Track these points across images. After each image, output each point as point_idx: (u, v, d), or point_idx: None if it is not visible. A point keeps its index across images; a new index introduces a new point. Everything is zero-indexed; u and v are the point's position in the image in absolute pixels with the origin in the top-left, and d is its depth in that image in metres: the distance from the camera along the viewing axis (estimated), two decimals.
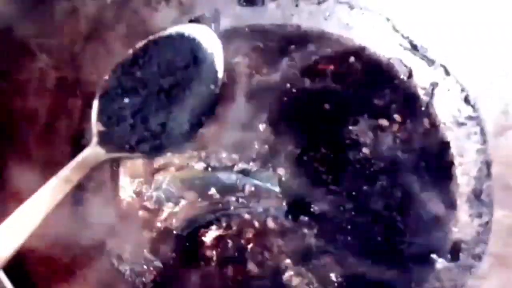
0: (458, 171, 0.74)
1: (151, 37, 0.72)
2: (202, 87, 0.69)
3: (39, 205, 0.54)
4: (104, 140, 0.64)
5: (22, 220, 0.53)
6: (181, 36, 0.71)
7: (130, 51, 0.71)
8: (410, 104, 0.79)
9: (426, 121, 0.77)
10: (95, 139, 0.64)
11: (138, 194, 0.72)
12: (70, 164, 0.59)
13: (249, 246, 0.69)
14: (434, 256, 0.69)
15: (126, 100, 0.67)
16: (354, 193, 0.71)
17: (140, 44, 0.72)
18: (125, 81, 0.68)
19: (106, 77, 0.69)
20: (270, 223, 0.70)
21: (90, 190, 0.71)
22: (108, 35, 0.76)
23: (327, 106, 0.76)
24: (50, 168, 0.66)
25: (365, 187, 0.72)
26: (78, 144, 0.72)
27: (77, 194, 0.69)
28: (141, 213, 0.71)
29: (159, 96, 0.67)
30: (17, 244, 0.51)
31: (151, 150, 0.66)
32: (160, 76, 0.68)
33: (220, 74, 0.70)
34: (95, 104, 0.67)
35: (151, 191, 0.72)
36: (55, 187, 0.57)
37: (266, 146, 0.74)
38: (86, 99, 0.74)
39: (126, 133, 0.65)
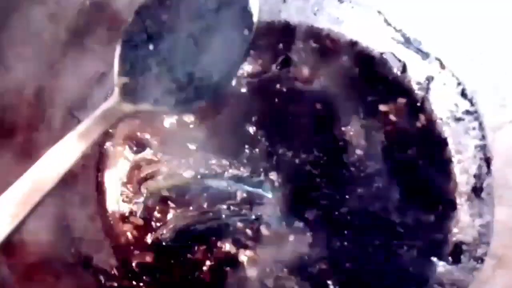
0: (456, 169, 0.72)
1: None
2: (234, 32, 0.63)
3: (53, 164, 0.51)
4: (127, 92, 0.58)
5: (34, 181, 0.49)
6: None
7: None
8: (405, 100, 0.75)
9: (422, 117, 0.75)
10: (116, 90, 0.58)
11: (125, 205, 0.70)
12: (89, 118, 0.54)
13: (243, 255, 0.67)
14: (434, 259, 0.67)
15: (151, 47, 0.60)
16: (349, 196, 0.69)
17: None
18: (150, 25, 0.61)
19: (130, 20, 0.62)
20: (264, 231, 0.68)
21: (75, 203, 0.68)
22: (88, 40, 0.73)
23: (318, 106, 0.73)
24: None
25: (360, 190, 0.69)
26: None
27: (62, 208, 0.67)
28: (128, 225, 0.69)
29: (187, 42, 0.61)
30: (26, 210, 0.48)
31: (177, 104, 0.61)
32: (189, 20, 0.62)
33: (255, 18, 0.64)
34: (117, 51, 0.60)
35: (139, 202, 0.70)
36: (72, 144, 0.52)
37: (257, 150, 0.71)
38: (67, 108, 0.71)
39: (150, 84, 0.60)
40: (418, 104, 0.75)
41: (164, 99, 0.60)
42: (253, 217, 0.69)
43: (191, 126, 0.73)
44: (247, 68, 0.75)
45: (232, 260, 0.67)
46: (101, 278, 0.66)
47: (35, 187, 0.49)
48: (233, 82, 0.70)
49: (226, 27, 0.62)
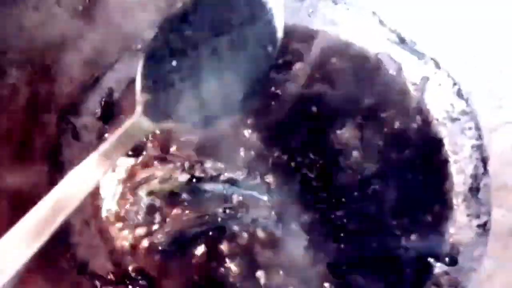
0: (453, 169, 0.71)
1: None
2: (259, 49, 0.61)
3: (75, 186, 0.49)
4: (149, 109, 0.56)
5: (56, 205, 0.48)
6: None
7: (180, 4, 0.62)
8: (401, 101, 0.75)
9: (418, 118, 0.74)
10: (139, 108, 0.55)
11: (121, 210, 0.70)
12: (112, 137, 0.52)
13: (239, 259, 0.67)
14: (431, 260, 0.67)
15: (174, 63, 0.58)
16: (345, 199, 0.69)
17: None
18: (173, 40, 0.59)
19: (152, 34, 0.60)
20: (260, 234, 0.68)
21: None
22: (81, 45, 0.73)
23: (314, 108, 0.73)
24: (26, 189, 0.64)
25: (357, 193, 0.69)
26: (55, 161, 0.69)
27: None
28: (124, 229, 0.69)
29: (211, 58, 0.59)
30: (48, 233, 0.47)
31: (200, 121, 0.59)
32: (213, 35, 0.60)
33: (280, 34, 0.61)
34: (140, 66, 0.57)
35: (134, 206, 0.69)
36: (94, 166, 0.50)
37: (252, 153, 0.71)
38: (61, 113, 0.71)
39: (173, 101, 0.57)
40: (414, 105, 0.75)
41: (188, 117, 0.58)
42: (249, 220, 0.68)
43: (186, 129, 0.72)
44: None
45: (229, 264, 0.67)
46: (97, 283, 0.66)
47: (56, 211, 0.48)
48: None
49: (250, 43, 0.60)
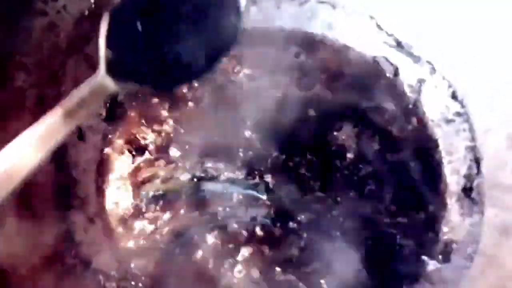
0: (447, 169, 0.73)
1: None
2: (223, 18, 0.60)
3: (33, 145, 0.47)
4: (112, 68, 0.54)
5: (11, 163, 0.46)
6: None
7: None
8: (397, 102, 0.77)
9: (414, 120, 0.76)
10: (102, 67, 0.54)
11: (124, 208, 0.72)
12: (74, 96, 0.50)
13: (238, 256, 0.69)
14: (425, 258, 0.68)
15: (139, 23, 0.57)
16: (341, 199, 0.70)
17: None
18: (139, 2, 0.58)
19: None
20: (259, 232, 0.70)
21: (74, 207, 0.70)
22: (88, 48, 0.75)
23: (311, 112, 0.75)
24: (33, 189, 0.66)
25: (353, 193, 0.71)
26: (61, 162, 0.71)
27: (61, 211, 0.69)
28: (127, 228, 0.71)
29: (176, 22, 0.58)
30: (4, 193, 0.45)
31: (162, 83, 0.58)
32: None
33: (243, 5, 0.60)
34: (104, 26, 0.56)
35: (137, 204, 0.71)
36: (54, 124, 0.49)
37: (252, 153, 0.73)
38: None
39: (136, 61, 0.56)
40: (410, 106, 0.77)
41: (150, 78, 0.57)
42: (248, 218, 0.70)
43: (188, 130, 0.74)
44: (244, 71, 0.77)
45: (228, 261, 0.69)
46: (101, 279, 0.68)
47: (14, 170, 0.46)
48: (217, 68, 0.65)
49: (215, 11, 0.60)
